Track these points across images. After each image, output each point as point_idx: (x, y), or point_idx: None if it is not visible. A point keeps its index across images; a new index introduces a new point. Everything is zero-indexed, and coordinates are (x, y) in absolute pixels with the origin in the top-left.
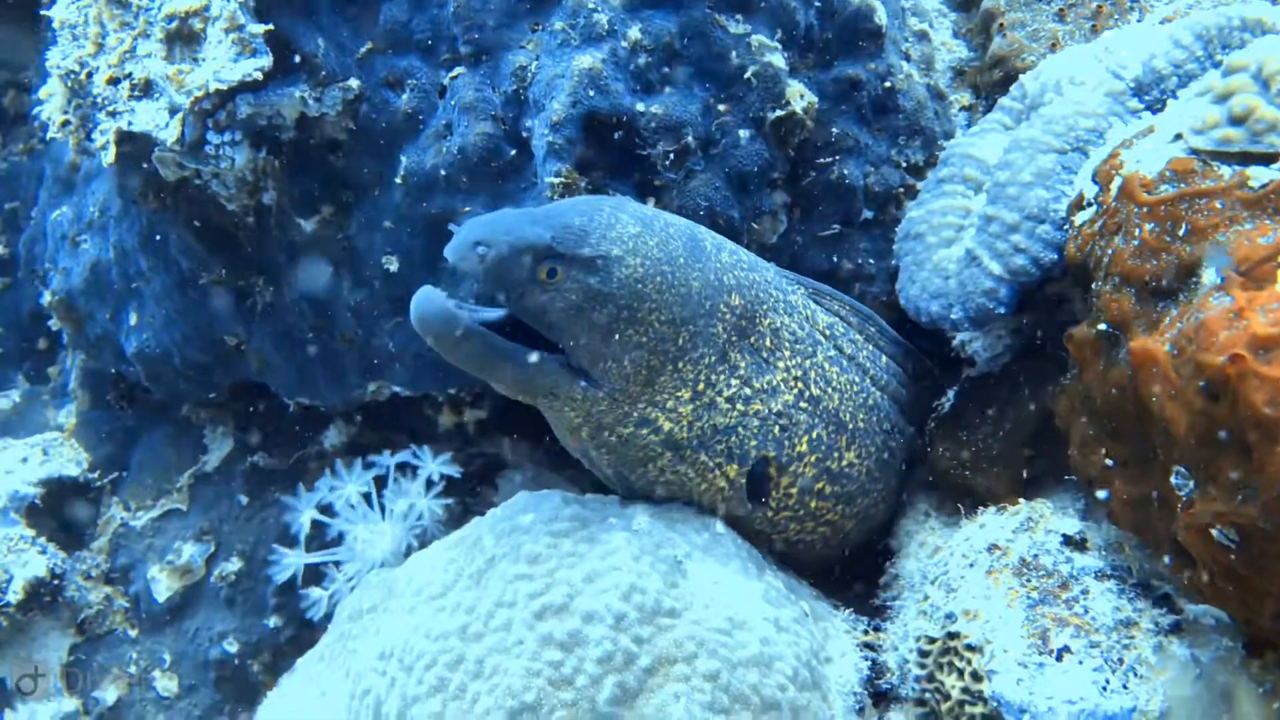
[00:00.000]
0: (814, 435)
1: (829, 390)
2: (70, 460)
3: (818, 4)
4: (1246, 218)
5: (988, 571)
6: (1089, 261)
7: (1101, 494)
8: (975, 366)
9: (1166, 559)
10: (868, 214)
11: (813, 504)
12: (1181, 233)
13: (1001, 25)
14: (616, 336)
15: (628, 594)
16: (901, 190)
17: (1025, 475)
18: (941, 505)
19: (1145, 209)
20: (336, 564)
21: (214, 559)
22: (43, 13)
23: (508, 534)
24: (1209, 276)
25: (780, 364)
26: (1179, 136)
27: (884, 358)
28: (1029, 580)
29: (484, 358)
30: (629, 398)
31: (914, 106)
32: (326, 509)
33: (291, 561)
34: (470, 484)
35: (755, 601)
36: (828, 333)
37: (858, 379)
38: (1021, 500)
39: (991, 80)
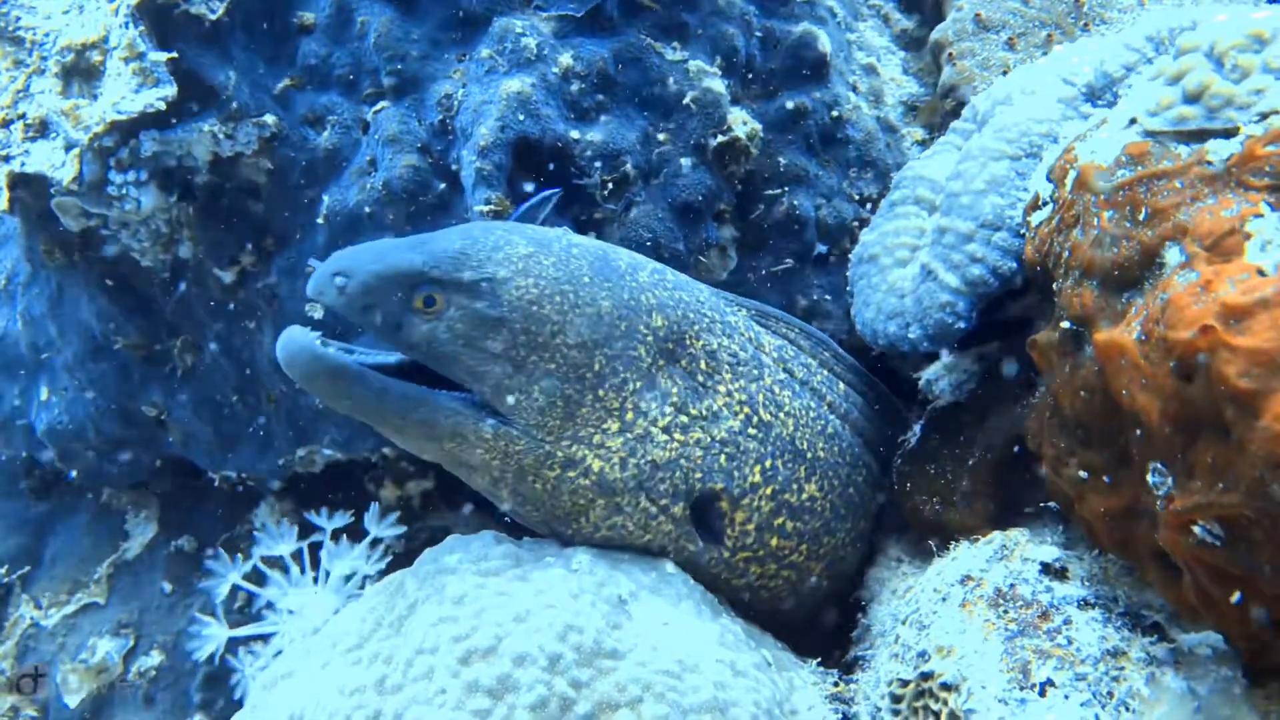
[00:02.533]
0: (767, 465)
1: (781, 416)
2: None
3: (759, 33)
4: (1209, 194)
5: (961, 604)
6: (1048, 261)
7: (1080, 511)
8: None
9: (1151, 575)
10: (822, 249)
11: (774, 542)
12: (1142, 217)
13: (951, 55)
14: (518, 364)
15: (564, 634)
16: (856, 224)
17: (999, 506)
18: (915, 549)
19: (1102, 197)
20: (266, 639)
21: (132, 654)
22: None
23: (432, 576)
24: (1173, 257)
25: (720, 388)
26: (1133, 122)
27: (841, 385)
28: (1006, 611)
29: (368, 400)
30: (549, 434)
31: (864, 137)
32: (256, 577)
33: (213, 635)
34: (413, 559)
35: (709, 644)
36: (776, 355)
37: (814, 405)
38: (994, 531)
39: (944, 110)
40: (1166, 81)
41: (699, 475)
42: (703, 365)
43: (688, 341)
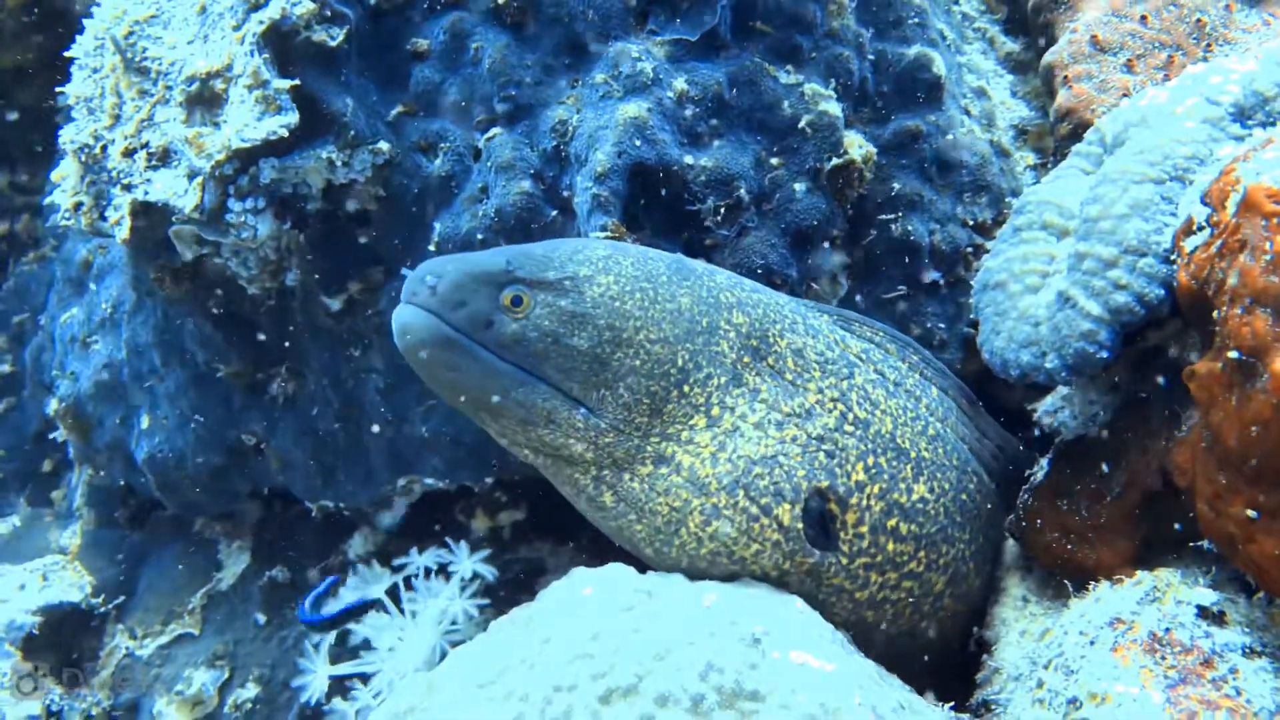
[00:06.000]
0: (870, 462)
1: (877, 414)
2: (72, 585)
3: (872, 56)
4: None
5: (1113, 649)
6: (1208, 288)
7: (1248, 552)
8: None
9: None
10: (935, 275)
11: (890, 546)
12: None
13: (1066, 78)
14: (604, 361)
15: (705, 673)
16: (970, 250)
17: (1140, 544)
18: (1042, 588)
19: (1276, 220)
20: (364, 677)
21: (228, 686)
22: (58, 90)
23: (564, 610)
24: None
25: (811, 385)
26: None
27: (934, 389)
28: (1164, 657)
29: (475, 372)
30: (637, 429)
31: (978, 161)
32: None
33: (317, 673)
34: (507, 591)
35: (847, 685)
36: (864, 357)
37: (910, 405)
38: (1140, 571)
39: (1059, 134)
40: None
41: (802, 473)
42: (790, 364)
43: (772, 340)
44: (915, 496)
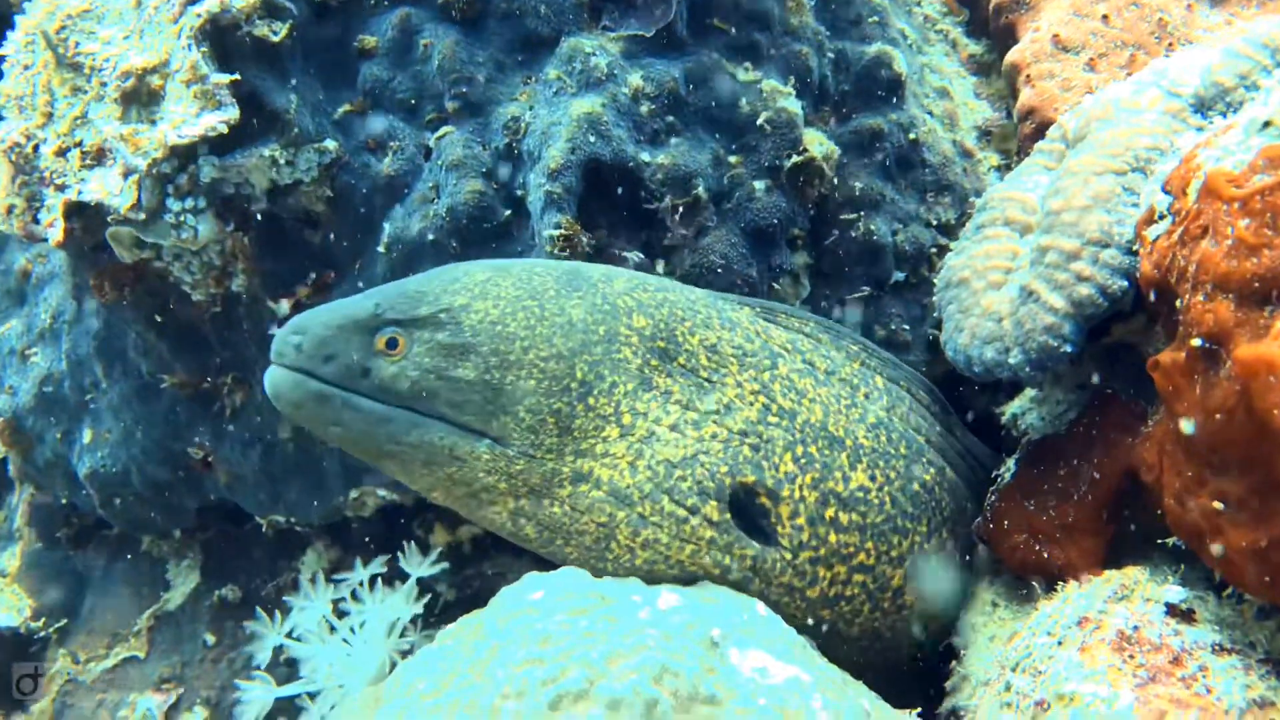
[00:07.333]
0: (799, 452)
1: (804, 403)
2: (11, 608)
3: (831, 54)
4: None
5: (1081, 648)
6: (1170, 276)
7: (1215, 547)
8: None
9: None
10: (899, 275)
11: (832, 538)
12: None
13: (1029, 77)
14: (496, 387)
15: (659, 676)
16: (934, 250)
17: (1108, 544)
18: (1011, 593)
19: (1237, 205)
20: (312, 695)
21: (175, 710)
22: None
23: (514, 615)
24: None
25: (729, 380)
26: (1268, 125)
27: (879, 378)
28: (1132, 656)
29: (359, 424)
30: (549, 452)
31: (941, 161)
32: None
33: (258, 697)
34: (466, 608)
35: (810, 691)
36: (789, 347)
37: (845, 393)
38: (1108, 570)
39: (1023, 133)
40: None
41: (724, 469)
42: (704, 360)
43: (681, 338)
44: (854, 485)
